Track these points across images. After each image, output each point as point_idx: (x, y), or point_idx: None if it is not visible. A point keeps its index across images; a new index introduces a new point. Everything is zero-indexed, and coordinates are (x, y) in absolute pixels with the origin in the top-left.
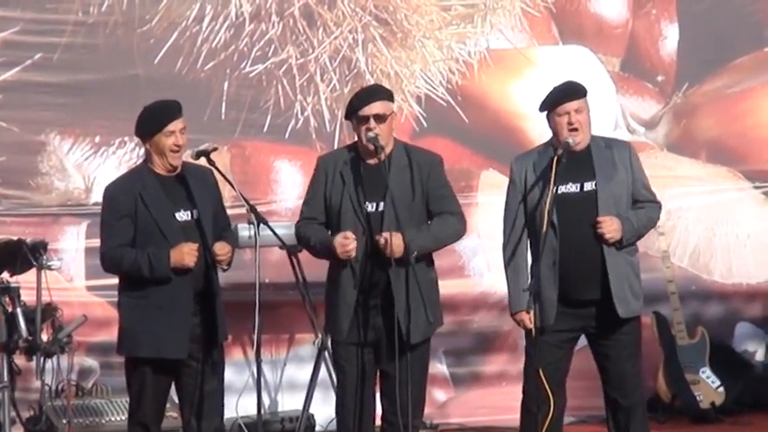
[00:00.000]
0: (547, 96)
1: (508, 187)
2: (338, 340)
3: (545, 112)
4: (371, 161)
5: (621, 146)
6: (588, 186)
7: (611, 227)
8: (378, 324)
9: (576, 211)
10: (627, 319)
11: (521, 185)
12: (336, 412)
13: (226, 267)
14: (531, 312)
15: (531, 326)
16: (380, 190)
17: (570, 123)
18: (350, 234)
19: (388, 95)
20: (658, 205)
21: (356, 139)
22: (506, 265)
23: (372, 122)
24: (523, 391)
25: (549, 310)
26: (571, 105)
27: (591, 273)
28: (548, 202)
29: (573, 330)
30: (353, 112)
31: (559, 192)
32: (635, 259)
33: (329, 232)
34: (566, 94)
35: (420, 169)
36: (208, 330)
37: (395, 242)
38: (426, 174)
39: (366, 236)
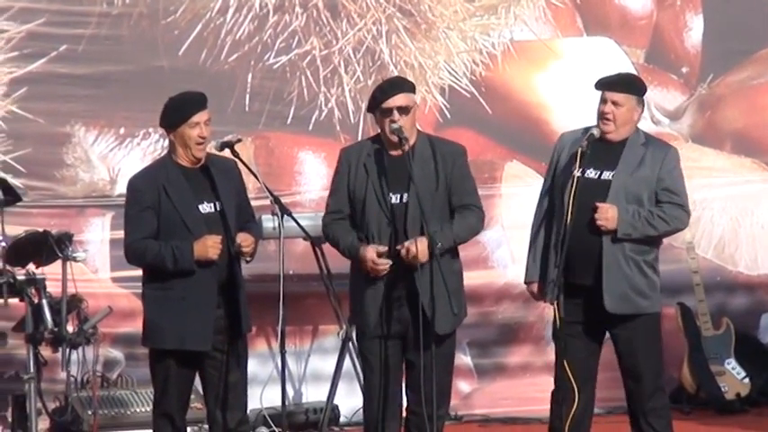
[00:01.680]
0: (601, 77)
1: (548, 162)
2: (365, 332)
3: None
4: (395, 153)
5: (660, 147)
6: (606, 175)
7: (605, 214)
8: (403, 316)
9: (588, 197)
10: (636, 316)
11: (555, 162)
12: (364, 409)
13: (249, 259)
14: (555, 304)
15: (539, 296)
16: (404, 181)
17: (603, 113)
18: (382, 260)
19: (410, 88)
20: (681, 207)
21: (379, 131)
22: (531, 236)
23: (396, 114)
24: (555, 383)
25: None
26: (611, 96)
27: (588, 259)
28: (570, 191)
29: (585, 322)
30: (377, 104)
31: (582, 175)
32: (645, 258)
33: (355, 235)
34: (609, 83)
35: (444, 160)
36: (232, 322)
37: (420, 248)
38: (450, 165)
39: (390, 228)
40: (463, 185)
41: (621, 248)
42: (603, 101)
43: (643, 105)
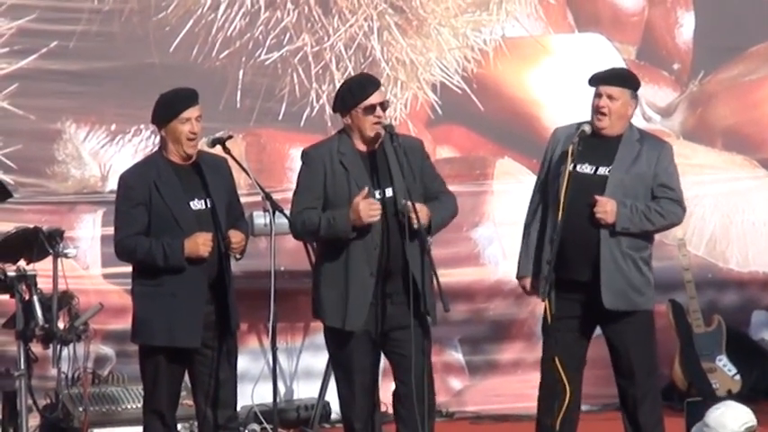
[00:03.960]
0: (595, 72)
1: (542, 156)
2: (350, 331)
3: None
4: (367, 149)
5: (655, 143)
6: (602, 171)
7: (604, 208)
8: (393, 312)
9: (583, 192)
10: (631, 313)
11: (549, 157)
12: (348, 410)
13: (239, 256)
14: (547, 301)
15: (531, 292)
16: (385, 176)
17: (598, 107)
18: (371, 200)
19: (380, 83)
20: (676, 202)
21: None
22: (523, 231)
23: (379, 110)
24: (542, 378)
25: (543, 283)
26: (606, 90)
27: (584, 255)
28: (563, 186)
29: (578, 317)
30: (356, 102)
31: (575, 170)
32: (640, 254)
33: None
34: (604, 78)
35: (412, 154)
36: (221, 319)
37: (421, 209)
38: (419, 158)
39: (382, 222)
40: (434, 175)
41: (618, 245)
42: (598, 95)
43: (637, 100)
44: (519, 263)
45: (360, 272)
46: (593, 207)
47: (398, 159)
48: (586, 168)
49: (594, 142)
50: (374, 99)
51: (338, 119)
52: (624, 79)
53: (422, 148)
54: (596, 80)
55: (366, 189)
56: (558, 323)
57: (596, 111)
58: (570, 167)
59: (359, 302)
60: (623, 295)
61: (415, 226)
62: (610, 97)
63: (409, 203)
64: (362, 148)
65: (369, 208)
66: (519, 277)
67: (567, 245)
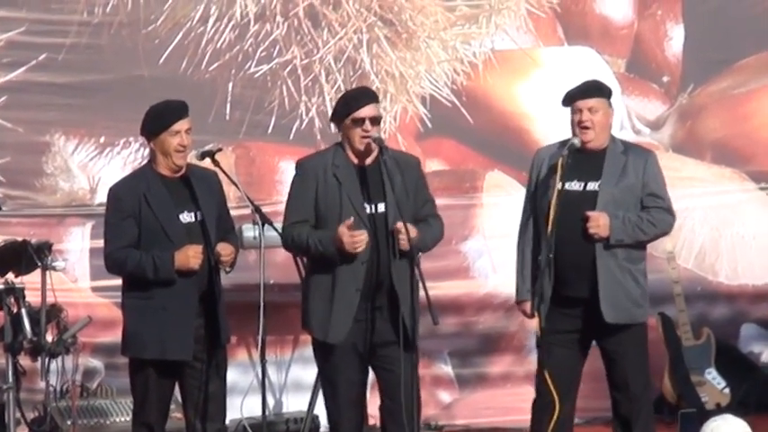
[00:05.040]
0: (568, 91)
1: (527, 179)
2: (334, 344)
3: (568, 108)
4: (361, 163)
5: (639, 153)
6: (591, 186)
7: (597, 222)
8: (381, 326)
9: (575, 210)
10: (630, 325)
11: (534, 178)
12: (331, 425)
13: (229, 269)
14: (536, 315)
15: (531, 315)
16: (378, 191)
17: (581, 122)
18: (357, 232)
19: (377, 98)
20: (666, 210)
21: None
22: (517, 254)
23: (368, 124)
24: (536, 391)
25: (534, 297)
26: (585, 103)
27: (582, 271)
28: (552, 202)
29: (574, 331)
30: (347, 113)
31: (564, 188)
32: (637, 267)
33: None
34: (580, 92)
35: (409, 171)
36: (211, 332)
37: (411, 230)
38: (414, 177)
39: (371, 237)
40: (426, 196)
41: (614, 258)
42: (578, 110)
43: (613, 108)
44: (517, 288)
45: (346, 287)
46: (585, 223)
47: (388, 174)
48: (575, 185)
49: (580, 158)
50: (364, 112)
51: (328, 132)
52: (600, 89)
53: (418, 166)
54: (571, 97)
55: (351, 220)
56: (553, 337)
57: (579, 126)
58: (559, 186)
59: (342, 317)
60: (623, 308)
61: (404, 248)
62: (590, 110)
63: (400, 224)
64: (356, 161)
65: (352, 242)
66: (518, 301)
67: (562, 263)
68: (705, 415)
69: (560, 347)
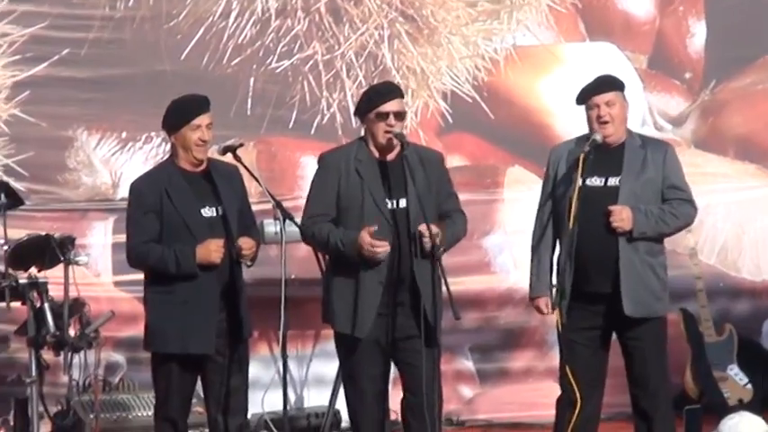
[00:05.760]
0: (581, 89)
1: (544, 175)
2: (358, 338)
3: (582, 105)
4: (384, 158)
5: (658, 146)
6: (612, 182)
7: (620, 216)
8: (403, 321)
9: (596, 205)
10: (649, 319)
11: (552, 176)
12: (352, 419)
13: (250, 263)
14: (557, 310)
15: (547, 311)
16: (400, 186)
17: (599, 117)
18: (379, 242)
19: (402, 94)
20: (688, 202)
21: (363, 135)
22: (532, 252)
23: (392, 119)
24: (561, 388)
25: (554, 293)
26: (601, 98)
27: (604, 267)
28: (573, 197)
29: (596, 328)
30: (371, 107)
31: (585, 184)
32: (657, 260)
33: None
34: (596, 87)
35: (431, 166)
36: (233, 326)
37: (435, 231)
38: (438, 171)
39: (392, 233)
40: (449, 191)
41: (636, 252)
42: (595, 106)
43: (628, 102)
44: (531, 285)
45: (369, 280)
46: (608, 218)
47: (410, 169)
48: (596, 181)
49: (599, 153)
50: (388, 107)
51: (349, 127)
52: (613, 83)
53: (441, 161)
54: (586, 93)
55: (374, 227)
56: (576, 334)
57: (598, 121)
58: (579, 182)
59: (367, 310)
60: (643, 302)
61: (428, 248)
62: (608, 104)
63: (423, 226)
64: (378, 156)
65: (373, 251)
66: (533, 297)
67: (585, 259)
68: (727, 411)
69: (583, 347)
